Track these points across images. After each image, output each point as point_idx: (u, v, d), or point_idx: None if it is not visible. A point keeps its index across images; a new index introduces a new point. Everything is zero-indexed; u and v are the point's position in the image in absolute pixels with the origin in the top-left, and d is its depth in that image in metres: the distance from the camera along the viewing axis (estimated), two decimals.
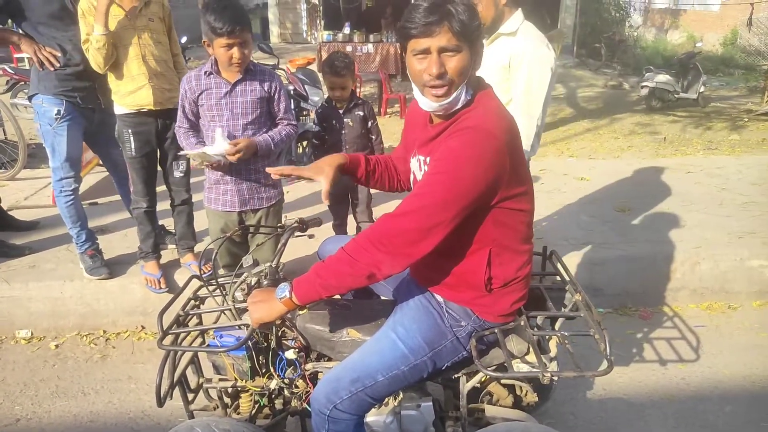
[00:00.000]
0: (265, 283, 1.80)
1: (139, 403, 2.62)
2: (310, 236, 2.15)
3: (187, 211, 3.15)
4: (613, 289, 3.36)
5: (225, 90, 2.44)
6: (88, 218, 3.20)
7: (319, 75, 6.79)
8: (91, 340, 3.11)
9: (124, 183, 3.29)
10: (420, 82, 1.52)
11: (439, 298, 1.72)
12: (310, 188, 4.46)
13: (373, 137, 3.15)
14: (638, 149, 7.36)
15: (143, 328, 3.19)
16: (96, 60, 2.70)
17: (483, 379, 1.84)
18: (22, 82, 6.96)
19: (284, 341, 1.86)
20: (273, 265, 1.85)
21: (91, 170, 4.63)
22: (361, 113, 3.07)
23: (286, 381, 1.83)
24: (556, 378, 1.72)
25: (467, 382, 1.81)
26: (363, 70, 10.07)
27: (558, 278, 1.98)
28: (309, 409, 1.72)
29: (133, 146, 2.90)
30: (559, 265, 1.98)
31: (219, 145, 2.37)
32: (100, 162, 3.61)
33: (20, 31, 2.91)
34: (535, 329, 1.75)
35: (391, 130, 8.43)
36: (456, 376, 1.81)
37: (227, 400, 1.95)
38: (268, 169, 1.86)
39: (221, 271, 2.63)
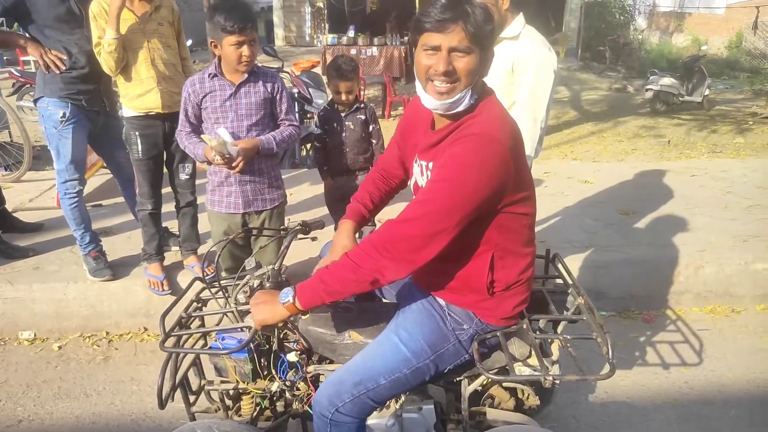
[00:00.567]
0: (268, 285, 1.80)
1: (142, 404, 2.62)
2: (313, 239, 2.16)
3: (191, 213, 3.16)
4: (616, 292, 3.35)
5: (229, 92, 2.45)
6: (92, 220, 3.21)
7: (323, 78, 6.81)
8: (93, 342, 3.12)
9: (127, 185, 3.31)
10: (424, 77, 1.51)
11: (441, 301, 1.72)
12: (312, 191, 4.47)
13: (374, 141, 3.15)
14: (642, 152, 7.35)
15: (146, 329, 3.20)
16: (108, 63, 2.72)
17: (485, 382, 1.84)
18: (29, 85, 7.00)
19: (286, 344, 1.86)
20: (275, 268, 1.85)
21: (95, 173, 4.65)
22: (363, 116, 3.07)
23: (288, 383, 1.83)
24: (558, 381, 1.71)
25: (469, 385, 1.80)
26: (367, 73, 10.09)
27: (561, 281, 1.98)
28: (310, 411, 1.72)
29: (140, 148, 2.91)
30: (561, 268, 1.98)
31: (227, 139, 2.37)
32: (105, 164, 3.63)
33: (27, 35, 2.93)
34: (538, 332, 1.74)
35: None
36: (458, 379, 1.81)
37: (229, 402, 1.95)
38: None
39: (224, 274, 2.64)
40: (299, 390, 1.86)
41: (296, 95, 6.09)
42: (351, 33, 11.29)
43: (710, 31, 18.79)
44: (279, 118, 2.60)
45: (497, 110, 1.57)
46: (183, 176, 3.07)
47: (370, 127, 3.12)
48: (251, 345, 1.75)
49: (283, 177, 2.76)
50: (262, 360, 1.84)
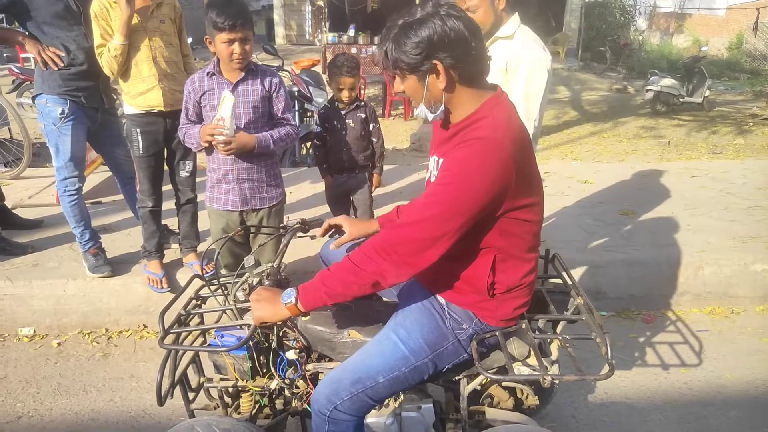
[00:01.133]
0: (267, 283, 1.80)
1: (141, 401, 2.62)
2: (312, 237, 2.16)
3: (191, 210, 3.16)
4: (616, 292, 3.35)
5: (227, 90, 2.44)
6: (92, 217, 3.20)
7: (324, 77, 6.81)
8: (93, 339, 3.12)
9: (126, 182, 3.30)
10: None
11: (441, 300, 1.72)
12: (313, 189, 4.47)
13: (374, 140, 3.15)
14: (643, 153, 7.35)
15: (145, 326, 3.20)
16: (110, 66, 2.72)
17: (484, 382, 1.84)
18: (28, 82, 7.01)
19: (285, 341, 1.86)
20: (275, 266, 1.85)
21: (94, 170, 4.65)
22: (363, 115, 3.07)
23: (287, 381, 1.84)
24: (557, 381, 1.72)
25: (468, 384, 1.80)
26: (367, 71, 10.09)
27: (560, 281, 1.98)
28: (309, 409, 1.72)
29: (141, 145, 2.91)
30: (561, 268, 1.98)
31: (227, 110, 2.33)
32: (104, 162, 3.63)
33: (25, 31, 2.92)
34: (537, 332, 1.74)
35: (394, 131, 8.45)
36: (457, 378, 1.81)
37: (228, 399, 1.95)
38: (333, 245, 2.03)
39: (223, 271, 2.64)
40: (298, 388, 1.86)
41: (296, 94, 6.09)
42: (351, 32, 11.30)
43: (711, 32, 18.82)
44: (275, 118, 2.58)
45: (503, 114, 1.56)
46: (183, 173, 3.07)
47: (371, 126, 3.12)
48: (250, 342, 1.75)
49: (283, 175, 2.76)
50: (261, 358, 1.84)
